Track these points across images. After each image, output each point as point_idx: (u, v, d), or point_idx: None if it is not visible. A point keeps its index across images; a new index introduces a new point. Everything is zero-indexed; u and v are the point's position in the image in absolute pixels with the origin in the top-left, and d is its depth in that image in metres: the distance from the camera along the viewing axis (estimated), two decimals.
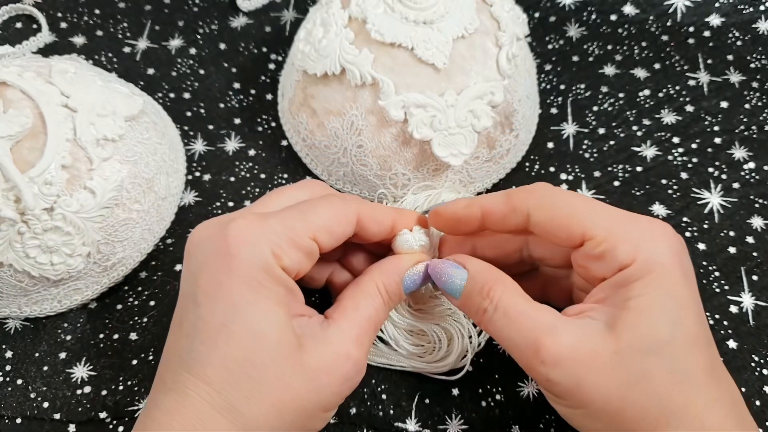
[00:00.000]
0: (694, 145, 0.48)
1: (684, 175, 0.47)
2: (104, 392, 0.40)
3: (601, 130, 0.49)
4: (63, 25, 0.55)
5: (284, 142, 0.49)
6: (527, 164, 0.48)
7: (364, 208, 0.35)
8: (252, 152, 0.49)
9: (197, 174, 0.48)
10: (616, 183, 0.47)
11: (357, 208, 0.35)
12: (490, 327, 0.33)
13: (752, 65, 0.52)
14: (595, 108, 0.51)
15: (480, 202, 0.35)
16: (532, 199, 0.34)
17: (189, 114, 0.51)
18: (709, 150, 0.48)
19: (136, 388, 0.40)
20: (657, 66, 0.52)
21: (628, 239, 0.32)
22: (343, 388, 0.32)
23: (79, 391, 0.40)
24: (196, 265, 0.32)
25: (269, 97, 0.51)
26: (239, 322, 0.30)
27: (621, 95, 0.51)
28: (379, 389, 0.40)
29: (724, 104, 0.50)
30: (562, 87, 0.52)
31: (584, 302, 0.33)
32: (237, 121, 0.51)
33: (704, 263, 0.44)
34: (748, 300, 0.43)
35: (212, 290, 0.31)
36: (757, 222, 0.45)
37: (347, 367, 0.32)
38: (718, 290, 0.43)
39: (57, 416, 0.40)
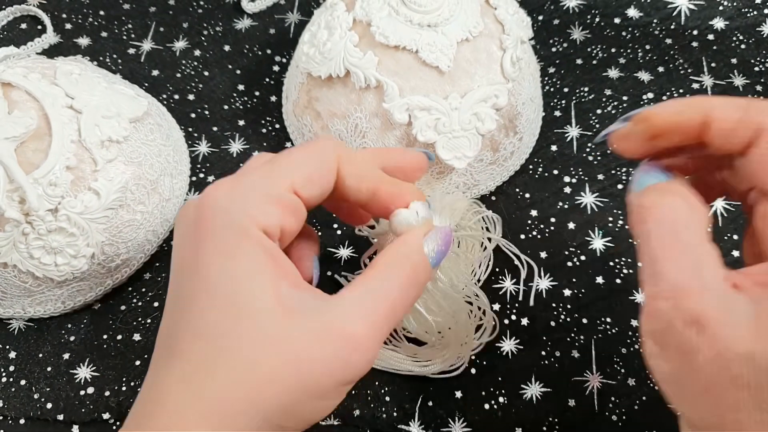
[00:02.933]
0: None
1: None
2: (107, 393, 0.40)
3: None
4: (68, 26, 0.55)
5: (288, 144, 0.49)
6: (531, 167, 0.48)
7: (344, 152, 0.31)
8: (256, 154, 0.49)
9: (201, 175, 0.48)
10: (620, 186, 0.47)
11: (337, 150, 0.30)
12: None
13: (756, 68, 0.52)
14: (599, 111, 0.50)
15: (703, 105, 0.27)
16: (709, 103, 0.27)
17: (193, 115, 0.51)
18: None
19: (139, 390, 0.40)
20: (661, 69, 0.52)
21: None
22: (336, 370, 0.27)
23: (82, 392, 0.40)
24: (176, 240, 0.30)
25: (273, 99, 0.52)
26: (211, 290, 0.27)
27: (625, 98, 0.51)
28: (383, 391, 0.40)
29: None
30: (566, 90, 0.52)
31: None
32: (241, 123, 0.51)
33: None
34: None
35: (187, 262, 0.28)
36: None
37: (340, 344, 0.27)
38: None
39: (60, 417, 0.40)
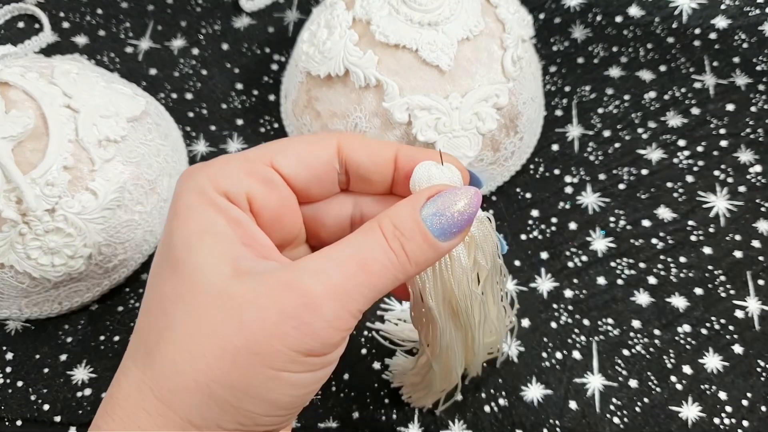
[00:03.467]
0: (699, 148, 0.48)
1: (690, 179, 0.47)
2: (105, 394, 0.40)
3: (606, 133, 0.49)
4: (65, 24, 0.55)
5: None
6: (532, 166, 0.48)
7: (348, 136, 0.28)
8: None
9: None
10: (621, 186, 0.47)
11: (338, 135, 0.28)
12: None
13: (758, 68, 0.52)
14: (600, 110, 0.50)
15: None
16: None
17: (191, 115, 0.50)
18: (715, 153, 0.48)
19: None
20: (662, 68, 0.52)
21: None
22: (289, 332, 0.23)
23: (79, 393, 0.40)
24: None
25: (272, 98, 0.51)
26: (165, 255, 0.25)
27: (626, 97, 0.51)
28: (382, 393, 0.40)
29: (730, 107, 0.50)
30: (567, 89, 0.51)
31: None
32: (239, 122, 0.50)
33: (710, 267, 0.44)
34: (754, 305, 0.42)
35: (163, 232, 0.27)
36: (763, 226, 0.45)
37: (290, 300, 0.23)
38: (723, 295, 0.43)
39: (58, 419, 0.40)
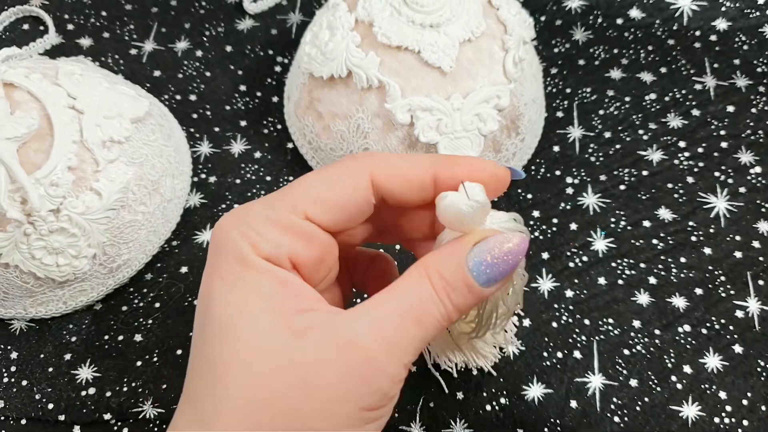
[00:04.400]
0: (700, 150, 0.48)
1: (690, 180, 0.47)
2: (108, 393, 0.40)
3: (607, 134, 0.49)
4: (70, 26, 0.55)
5: (290, 145, 0.49)
6: (533, 168, 0.48)
7: (381, 163, 0.27)
8: (258, 155, 0.49)
9: (203, 176, 0.48)
10: (622, 187, 0.47)
11: (370, 167, 0.27)
12: None
13: (759, 69, 0.52)
14: (601, 112, 0.50)
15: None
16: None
17: (195, 116, 0.51)
18: (716, 154, 0.48)
19: (140, 390, 0.40)
20: (663, 70, 0.52)
21: None
22: (351, 389, 0.24)
23: (83, 393, 0.40)
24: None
25: (275, 99, 0.52)
26: (212, 318, 0.25)
27: (627, 99, 0.51)
28: None
29: (730, 108, 0.50)
30: (568, 91, 0.52)
31: None
32: (243, 123, 0.51)
33: (710, 268, 0.44)
34: (754, 305, 0.43)
35: (201, 294, 0.27)
36: (763, 227, 0.45)
37: (352, 358, 0.24)
38: (724, 295, 0.43)
39: (62, 417, 0.40)
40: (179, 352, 0.42)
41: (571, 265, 0.44)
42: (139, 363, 0.41)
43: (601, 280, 0.44)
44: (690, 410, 0.39)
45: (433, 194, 0.27)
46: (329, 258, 0.28)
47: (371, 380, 0.24)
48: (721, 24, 0.54)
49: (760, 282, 0.43)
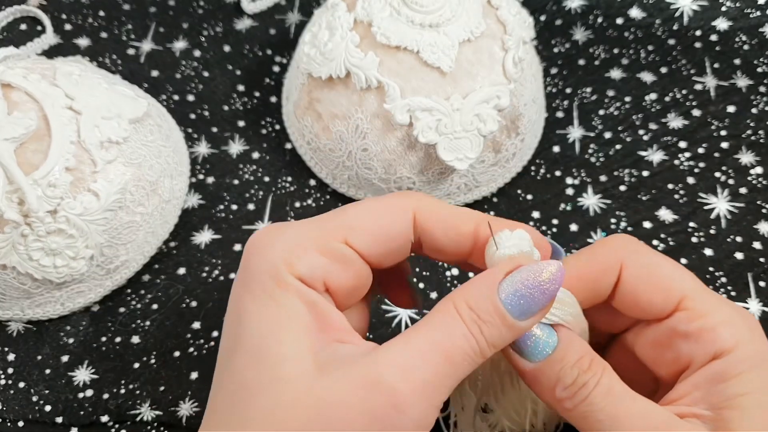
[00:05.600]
0: (701, 150, 0.48)
1: (691, 180, 0.47)
2: (106, 395, 0.40)
3: (608, 134, 0.49)
4: (67, 26, 0.55)
5: (288, 145, 0.49)
6: (533, 168, 0.48)
7: (425, 203, 0.27)
8: (256, 155, 0.49)
9: (201, 177, 0.48)
10: (623, 187, 0.47)
11: (414, 203, 0.27)
12: (583, 406, 0.25)
13: (759, 69, 0.52)
14: (602, 112, 0.50)
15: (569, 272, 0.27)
16: (623, 252, 0.28)
17: (193, 116, 0.51)
18: (716, 155, 0.48)
19: (137, 392, 0.40)
20: (663, 70, 0.52)
21: (729, 321, 0.26)
22: (375, 429, 0.23)
23: (81, 395, 0.40)
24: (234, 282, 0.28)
25: (273, 99, 0.51)
26: (242, 338, 0.25)
27: (627, 99, 0.51)
28: None
29: (731, 109, 0.50)
30: (569, 91, 0.51)
31: (673, 398, 0.26)
32: (241, 123, 0.50)
33: (711, 269, 0.44)
34: (755, 306, 0.42)
35: (231, 308, 0.27)
36: (764, 227, 0.45)
37: (375, 399, 0.23)
38: (724, 296, 0.43)
39: (59, 419, 0.40)
40: (177, 354, 0.41)
41: None
42: (136, 365, 0.41)
43: None
44: None
45: (470, 247, 0.27)
46: (362, 287, 0.28)
47: (397, 425, 0.23)
48: (722, 24, 0.54)
49: (761, 283, 0.43)
